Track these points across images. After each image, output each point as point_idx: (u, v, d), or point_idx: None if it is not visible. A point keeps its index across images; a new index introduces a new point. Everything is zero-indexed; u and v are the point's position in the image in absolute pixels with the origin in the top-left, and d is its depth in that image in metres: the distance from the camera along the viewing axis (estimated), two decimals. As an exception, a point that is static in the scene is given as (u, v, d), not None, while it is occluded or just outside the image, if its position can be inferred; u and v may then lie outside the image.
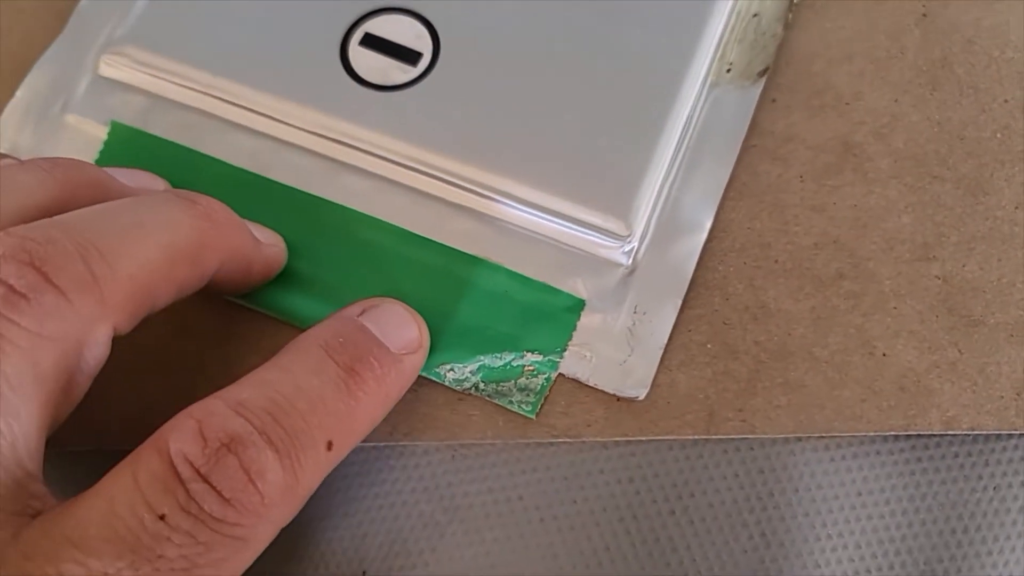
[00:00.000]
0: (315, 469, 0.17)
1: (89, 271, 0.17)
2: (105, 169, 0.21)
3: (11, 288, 0.16)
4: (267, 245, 0.21)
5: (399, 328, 0.20)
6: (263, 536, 0.17)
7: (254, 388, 0.17)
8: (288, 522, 0.17)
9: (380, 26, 0.23)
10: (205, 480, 0.16)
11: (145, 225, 0.18)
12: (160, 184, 0.22)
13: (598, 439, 0.21)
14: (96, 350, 0.17)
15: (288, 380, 0.18)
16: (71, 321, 0.17)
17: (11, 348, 0.16)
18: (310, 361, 0.18)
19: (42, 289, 0.16)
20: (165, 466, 0.16)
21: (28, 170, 0.19)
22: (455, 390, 0.21)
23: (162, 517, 0.15)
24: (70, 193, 0.19)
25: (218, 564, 0.16)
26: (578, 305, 0.22)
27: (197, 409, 0.17)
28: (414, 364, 0.20)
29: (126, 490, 0.16)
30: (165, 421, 0.17)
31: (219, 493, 0.16)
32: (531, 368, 0.21)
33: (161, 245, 0.18)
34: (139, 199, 0.19)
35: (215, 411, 0.17)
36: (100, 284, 0.17)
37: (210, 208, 0.19)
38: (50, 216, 0.18)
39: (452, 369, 0.21)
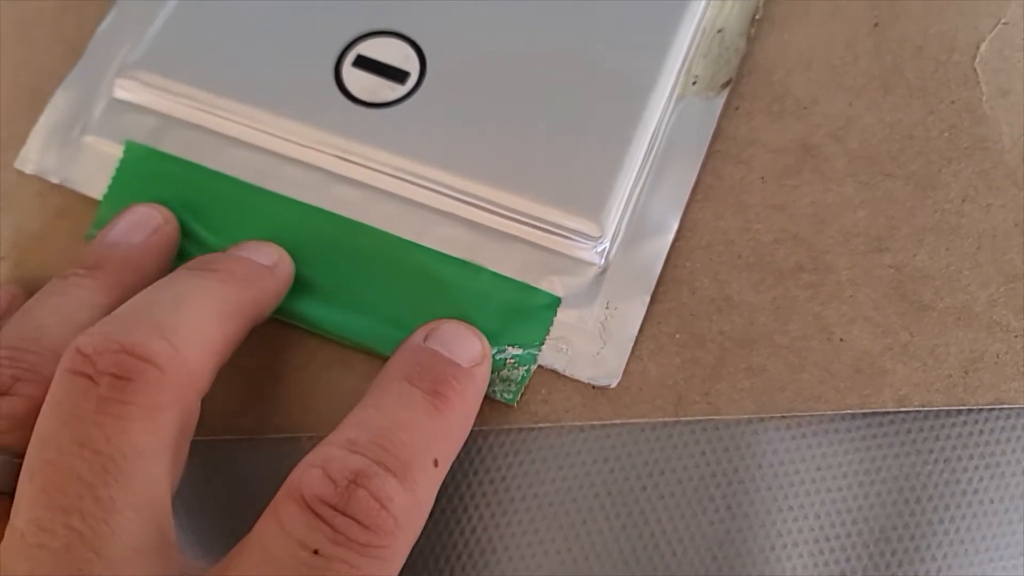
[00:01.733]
0: (428, 485, 0.20)
1: (170, 345, 0.19)
2: (111, 229, 0.24)
3: (115, 376, 0.18)
4: (276, 266, 0.23)
5: (463, 344, 0.22)
6: (403, 550, 0.19)
7: (358, 428, 0.20)
8: (419, 533, 0.19)
9: (371, 48, 0.25)
10: (344, 514, 0.18)
11: (188, 298, 0.20)
12: (155, 215, 0.24)
13: (575, 424, 0.23)
14: (192, 415, 0.20)
15: (385, 415, 0.20)
16: (173, 391, 0.19)
17: (135, 426, 0.18)
18: (397, 395, 0.20)
19: (142, 369, 0.18)
20: (305, 510, 0.18)
21: (77, 284, 0.22)
22: (444, 381, 0.23)
23: (316, 552, 0.18)
24: (116, 285, 0.22)
25: None
26: (555, 302, 0.23)
27: (316, 457, 0.19)
28: (484, 373, 0.22)
29: (277, 537, 0.18)
30: None
31: (359, 522, 0.18)
32: (512, 361, 0.23)
33: (209, 311, 0.20)
34: (170, 279, 0.21)
35: (333, 455, 0.19)
36: (182, 354, 0.19)
37: (227, 269, 0.22)
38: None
39: (440, 362, 0.23)
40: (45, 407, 0.19)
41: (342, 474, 0.18)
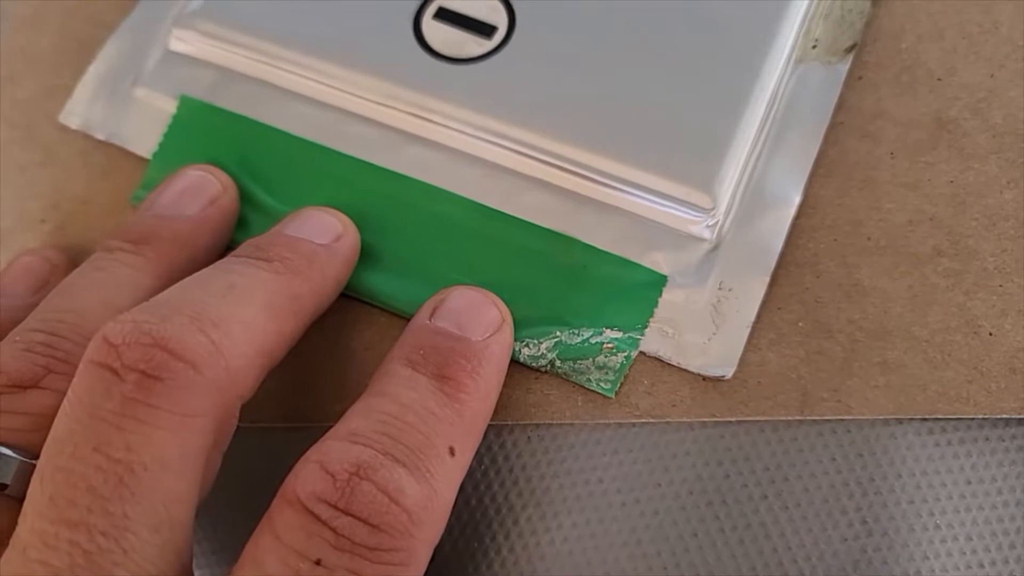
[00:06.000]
0: (446, 478, 0.17)
1: (210, 341, 0.16)
2: (162, 195, 0.21)
3: (143, 373, 0.16)
4: (339, 239, 0.20)
5: (475, 314, 0.19)
6: (421, 558, 0.16)
7: (360, 417, 0.17)
8: (438, 540, 0.16)
9: (454, 0, 0.23)
10: (347, 513, 0.15)
11: (239, 287, 0.18)
12: (212, 183, 0.21)
13: (684, 420, 0.20)
14: (229, 424, 0.17)
15: (389, 401, 0.17)
16: (207, 395, 0.16)
17: (160, 434, 0.15)
18: (401, 380, 0.18)
19: (173, 368, 0.16)
20: (302, 514, 0.15)
21: (122, 262, 0.20)
22: (530, 368, 0.20)
23: (318, 562, 0.15)
24: (165, 264, 0.20)
25: None
26: (659, 281, 0.20)
27: (313, 453, 0.16)
28: (502, 343, 0.19)
29: (271, 550, 0.15)
30: None
31: (365, 522, 0.15)
32: (610, 345, 0.20)
33: (261, 305, 0.18)
34: (219, 267, 0.19)
35: (332, 448, 0.16)
36: (223, 352, 0.16)
37: (283, 258, 0.19)
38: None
39: (527, 345, 0.20)
40: (64, 403, 0.16)
41: (342, 467, 0.15)
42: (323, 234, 0.20)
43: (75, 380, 0.16)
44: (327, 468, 0.16)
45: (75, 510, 0.15)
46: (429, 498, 0.16)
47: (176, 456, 0.16)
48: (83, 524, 0.15)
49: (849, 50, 0.23)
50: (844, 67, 0.23)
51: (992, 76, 0.22)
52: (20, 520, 0.16)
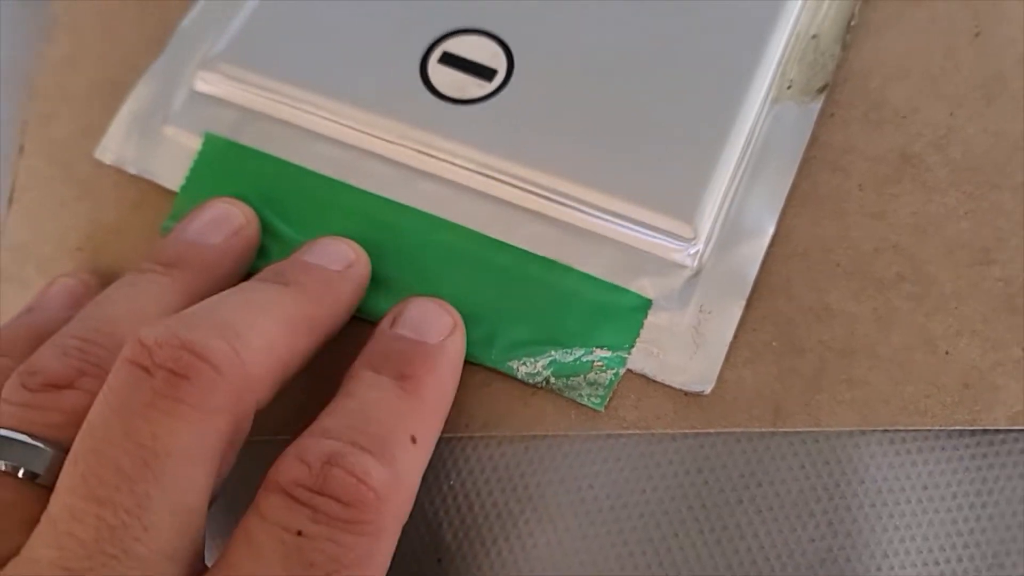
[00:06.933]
0: (409, 461, 0.19)
1: (231, 348, 0.18)
2: (191, 223, 0.23)
3: (172, 371, 0.18)
4: (351, 267, 0.22)
5: (430, 320, 0.22)
6: (391, 527, 0.18)
7: (330, 417, 0.19)
8: (407, 515, 0.19)
9: (458, 46, 0.25)
10: (322, 494, 0.18)
11: (258, 303, 0.20)
12: (237, 215, 0.23)
13: (667, 431, 0.22)
14: (245, 424, 0.19)
15: (355, 402, 0.20)
16: (227, 396, 0.18)
17: (183, 426, 0.18)
18: (366, 382, 0.20)
19: (199, 368, 0.18)
20: (284, 497, 0.18)
21: (153, 281, 0.22)
22: (528, 384, 0.22)
23: (299, 533, 0.17)
24: (191, 285, 0.22)
25: (364, 560, 0.18)
26: (645, 304, 0.22)
27: (291, 448, 0.18)
28: (456, 344, 0.22)
29: (259, 527, 0.18)
30: None
31: (338, 500, 0.18)
32: (600, 364, 0.22)
33: (278, 320, 0.20)
34: (242, 287, 0.21)
35: (307, 444, 0.18)
36: (242, 358, 0.18)
37: (299, 281, 0.21)
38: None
39: (524, 363, 0.22)
40: (100, 395, 0.18)
41: (316, 457, 0.18)
42: (337, 261, 0.22)
43: (111, 376, 0.18)
44: (303, 459, 0.18)
45: (104, 487, 0.17)
46: (393, 479, 0.18)
47: (196, 447, 0.18)
48: (109, 501, 0.17)
49: (821, 90, 0.25)
50: (817, 106, 0.25)
51: (951, 115, 0.24)
52: (52, 498, 0.17)
